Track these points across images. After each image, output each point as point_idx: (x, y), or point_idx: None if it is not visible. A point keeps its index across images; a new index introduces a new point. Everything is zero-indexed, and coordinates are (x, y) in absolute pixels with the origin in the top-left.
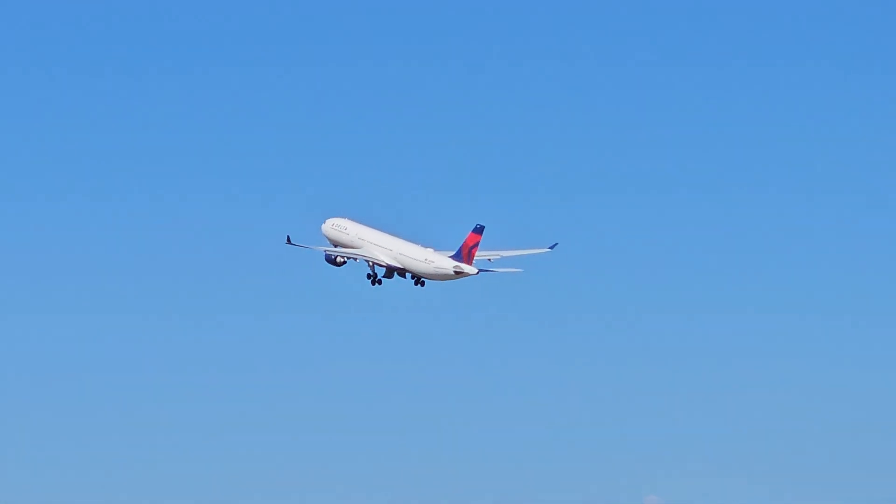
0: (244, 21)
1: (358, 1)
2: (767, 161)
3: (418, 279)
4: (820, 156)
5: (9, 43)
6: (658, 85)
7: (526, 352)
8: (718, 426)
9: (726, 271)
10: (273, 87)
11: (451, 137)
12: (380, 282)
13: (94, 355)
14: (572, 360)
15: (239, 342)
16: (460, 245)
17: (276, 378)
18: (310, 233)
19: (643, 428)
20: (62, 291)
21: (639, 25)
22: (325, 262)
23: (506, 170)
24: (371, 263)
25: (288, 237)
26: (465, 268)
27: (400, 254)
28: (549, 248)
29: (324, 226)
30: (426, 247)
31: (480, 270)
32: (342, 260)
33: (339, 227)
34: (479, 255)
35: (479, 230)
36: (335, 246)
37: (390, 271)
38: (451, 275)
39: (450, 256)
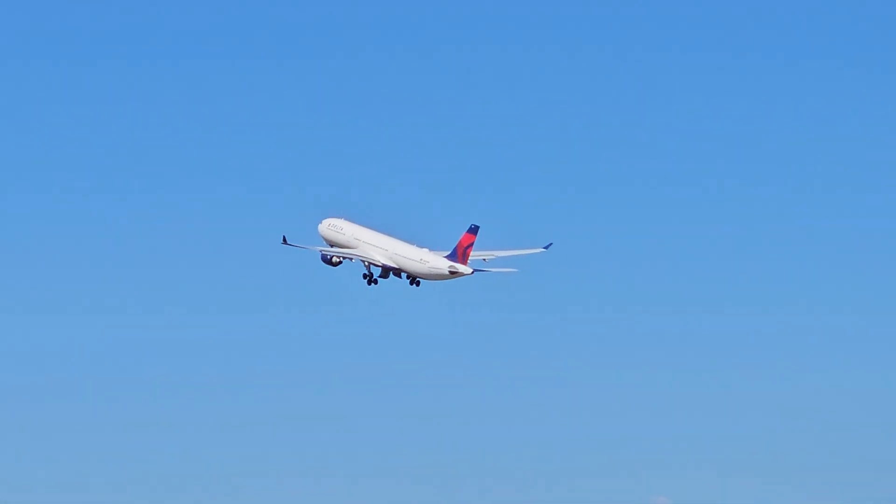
0: (240, 20)
1: (354, 1)
2: (764, 160)
3: (413, 279)
4: (817, 153)
5: (8, 41)
6: (652, 84)
7: (521, 351)
8: (715, 425)
9: (722, 270)
10: (270, 87)
11: (445, 138)
12: (376, 282)
13: (89, 354)
14: (567, 359)
15: (235, 342)
16: (455, 245)
17: (272, 377)
18: (306, 233)
19: (639, 427)
20: (57, 290)
21: (633, 24)
22: (322, 262)
23: (500, 170)
24: (367, 263)
25: (284, 237)
26: (460, 268)
27: (395, 254)
28: (544, 248)
29: (320, 226)
30: (421, 247)
31: (475, 270)
32: (338, 260)
33: (336, 228)
34: (474, 255)
35: (473, 230)
36: (331, 246)
37: (386, 271)
38: (446, 275)
39: (445, 256)
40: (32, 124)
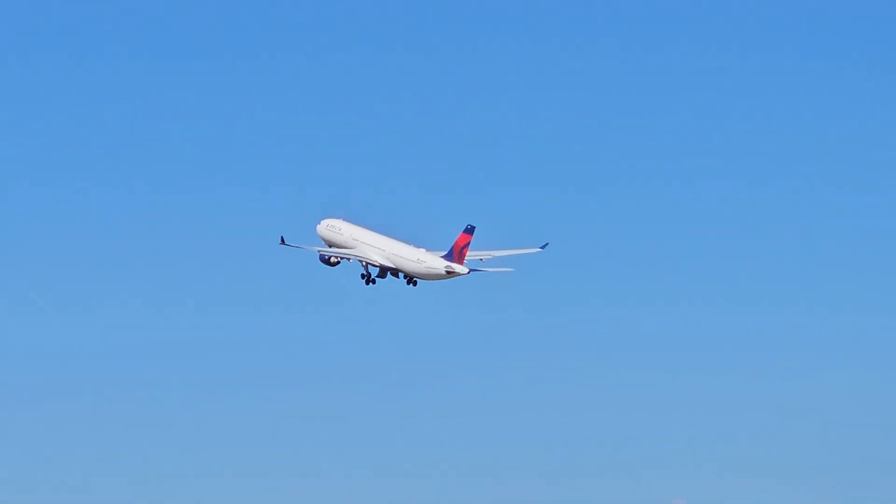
0: (238, 19)
1: (351, 2)
2: (762, 159)
3: (411, 279)
4: (814, 153)
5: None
6: (648, 84)
7: (517, 350)
8: (712, 425)
9: (718, 269)
10: (268, 87)
11: (442, 139)
12: (373, 281)
13: (86, 354)
14: (563, 358)
15: (234, 341)
16: (452, 245)
17: (270, 377)
18: (305, 233)
19: (635, 427)
20: (54, 289)
21: (628, 24)
22: (320, 263)
23: (496, 170)
24: (365, 263)
25: (282, 237)
26: (457, 267)
27: (393, 254)
28: (540, 247)
29: (319, 226)
30: (418, 247)
31: (472, 270)
32: (336, 260)
33: (334, 228)
34: (471, 255)
35: (469, 230)
36: (330, 246)
37: (383, 271)
38: (443, 274)
39: (441, 256)
40: (32, 123)
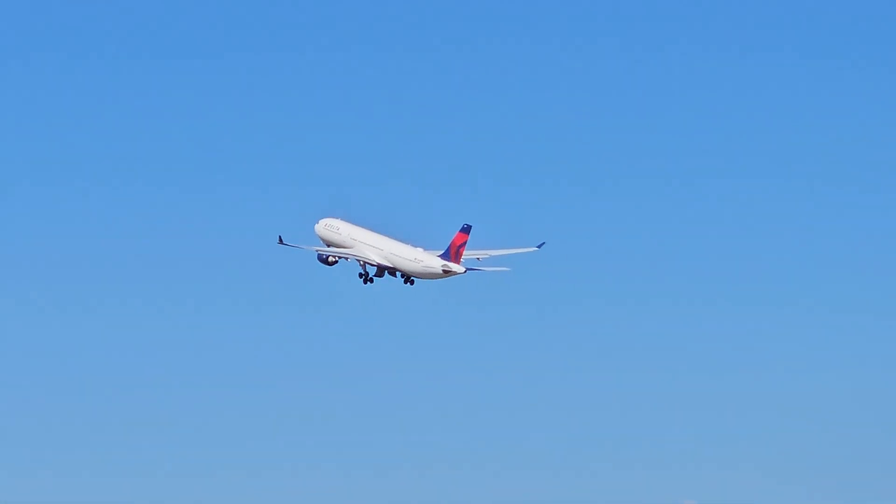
0: (238, 19)
1: (351, 2)
2: (760, 158)
3: (408, 278)
4: (814, 152)
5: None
6: (645, 82)
7: (514, 349)
8: (712, 424)
9: (716, 268)
10: (267, 87)
11: (439, 138)
12: (371, 280)
13: (85, 354)
14: (560, 358)
15: (232, 341)
16: (448, 244)
17: (269, 376)
18: (303, 233)
19: (631, 426)
20: (53, 289)
21: (626, 24)
22: (318, 262)
23: (493, 169)
24: (363, 263)
25: (280, 237)
26: (454, 267)
27: (390, 253)
28: (537, 247)
29: (317, 226)
30: (416, 246)
31: (468, 269)
32: (334, 259)
33: (332, 228)
34: (468, 254)
35: (466, 230)
36: (328, 245)
37: (381, 270)
38: (440, 274)
39: (438, 256)
40: (31, 123)
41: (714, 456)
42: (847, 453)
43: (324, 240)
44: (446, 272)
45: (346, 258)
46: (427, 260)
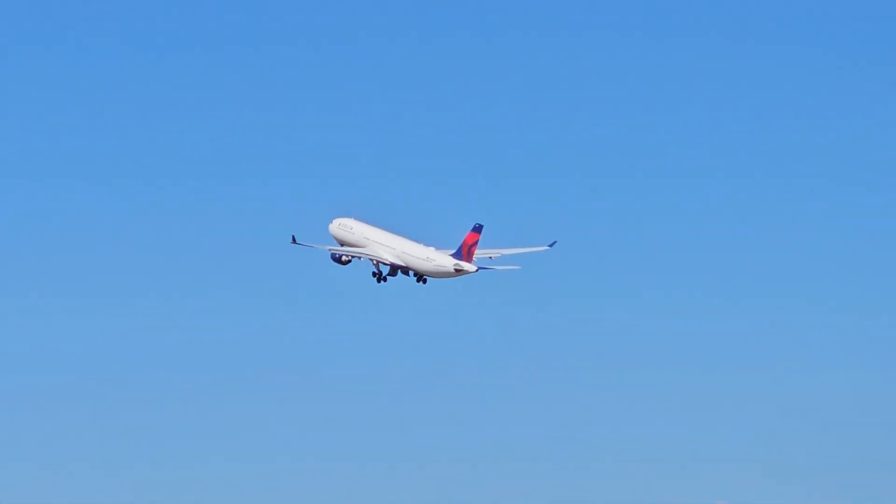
0: (251, 18)
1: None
2: (773, 158)
3: (420, 277)
4: (825, 153)
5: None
6: (658, 81)
7: (525, 347)
8: (721, 425)
9: (728, 268)
10: (282, 86)
11: (451, 137)
12: (384, 279)
13: (100, 354)
14: (570, 357)
15: (247, 339)
16: (460, 244)
17: (283, 374)
18: (316, 232)
19: (642, 426)
20: (68, 290)
21: (638, 22)
22: (331, 261)
23: (505, 169)
24: (376, 262)
25: (293, 237)
26: (465, 266)
27: (403, 252)
28: (548, 246)
29: (331, 225)
30: (428, 246)
31: (480, 268)
32: (347, 259)
33: (345, 227)
34: (479, 253)
35: (477, 229)
36: (342, 245)
37: (394, 269)
38: (452, 272)
39: (450, 255)
40: (47, 121)
41: (740, 455)
42: (852, 453)
43: (337, 239)
44: (458, 271)
45: (360, 257)
46: (439, 259)
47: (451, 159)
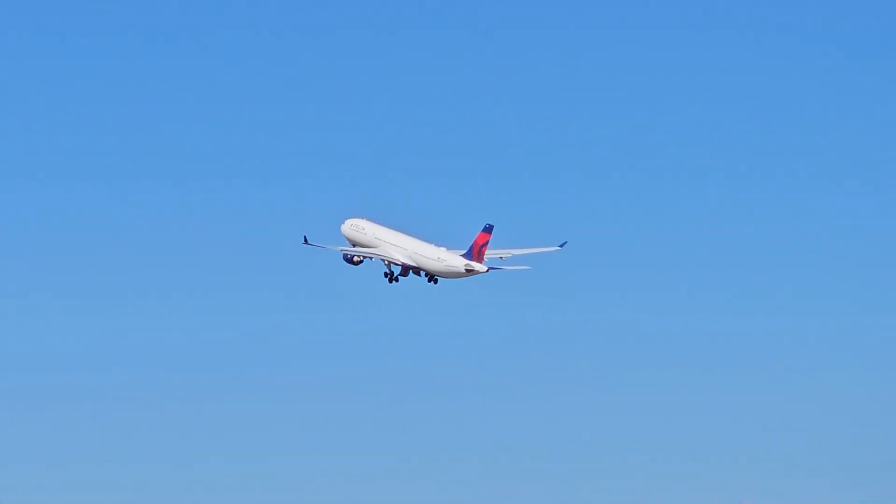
0: (263, 18)
1: (380, 2)
2: (786, 159)
3: (432, 277)
4: (835, 151)
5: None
6: (669, 82)
7: (535, 348)
8: (732, 425)
9: (740, 268)
10: (294, 87)
11: (462, 138)
12: (396, 279)
13: (111, 354)
14: (581, 357)
15: (260, 340)
16: (471, 244)
17: (295, 374)
18: (328, 233)
19: (652, 426)
20: (80, 291)
21: (648, 21)
22: (343, 262)
23: (515, 169)
24: (387, 262)
25: (305, 237)
26: (476, 266)
27: (414, 252)
28: (559, 246)
29: (343, 226)
30: (439, 246)
31: (491, 268)
32: (359, 259)
33: (357, 228)
34: (490, 253)
35: (488, 229)
36: (354, 245)
37: (405, 270)
38: (463, 273)
39: (461, 255)
40: (48, 121)
41: (759, 456)
42: (856, 453)
43: (349, 240)
44: (469, 271)
45: (371, 258)
46: (450, 259)
47: (462, 160)
